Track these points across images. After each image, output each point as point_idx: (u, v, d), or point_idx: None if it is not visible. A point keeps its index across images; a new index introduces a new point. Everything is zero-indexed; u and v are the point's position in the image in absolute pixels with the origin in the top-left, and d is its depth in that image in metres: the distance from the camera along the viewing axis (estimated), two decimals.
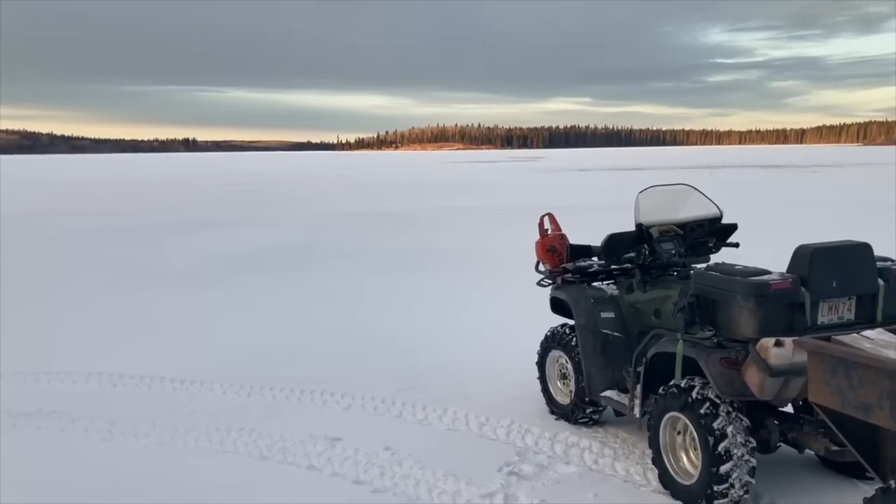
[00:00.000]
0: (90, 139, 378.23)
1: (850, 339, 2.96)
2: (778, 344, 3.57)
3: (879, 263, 3.94)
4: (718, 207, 4.97)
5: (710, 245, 5.03)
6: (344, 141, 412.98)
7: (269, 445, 4.94)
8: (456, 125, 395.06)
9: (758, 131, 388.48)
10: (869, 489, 2.87)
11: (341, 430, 5.13)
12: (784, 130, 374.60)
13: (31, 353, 7.17)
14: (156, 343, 7.57)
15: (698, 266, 4.42)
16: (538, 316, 6.15)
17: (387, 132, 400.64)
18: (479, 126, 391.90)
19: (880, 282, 3.89)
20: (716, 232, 5.02)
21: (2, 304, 9.39)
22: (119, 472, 4.59)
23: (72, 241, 16.02)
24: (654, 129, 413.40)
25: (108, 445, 5.02)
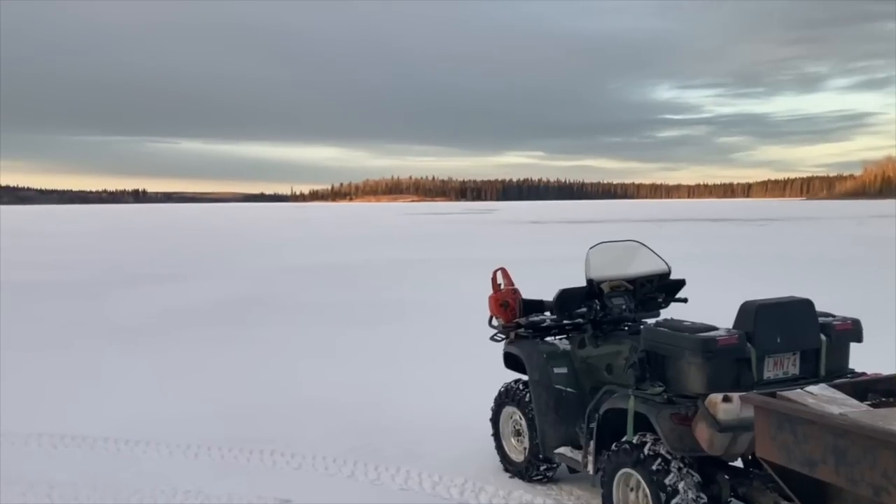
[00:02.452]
0: (36, 190, 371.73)
1: (795, 394, 3.03)
2: (726, 399, 3.61)
3: (821, 319, 4.05)
4: (667, 263, 5.07)
5: (660, 300, 5.11)
6: (298, 192, 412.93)
7: None
8: (410, 177, 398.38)
9: (706, 185, 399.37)
10: None
11: (291, 491, 5.01)
12: (731, 185, 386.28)
13: None
14: (99, 402, 7.33)
15: (648, 321, 4.48)
16: (492, 371, 6.14)
17: (341, 184, 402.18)
18: (434, 178, 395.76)
19: (822, 337, 3.99)
20: (665, 287, 5.11)
21: None
22: None
23: (14, 296, 15.55)
24: (605, 182, 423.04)
25: None
